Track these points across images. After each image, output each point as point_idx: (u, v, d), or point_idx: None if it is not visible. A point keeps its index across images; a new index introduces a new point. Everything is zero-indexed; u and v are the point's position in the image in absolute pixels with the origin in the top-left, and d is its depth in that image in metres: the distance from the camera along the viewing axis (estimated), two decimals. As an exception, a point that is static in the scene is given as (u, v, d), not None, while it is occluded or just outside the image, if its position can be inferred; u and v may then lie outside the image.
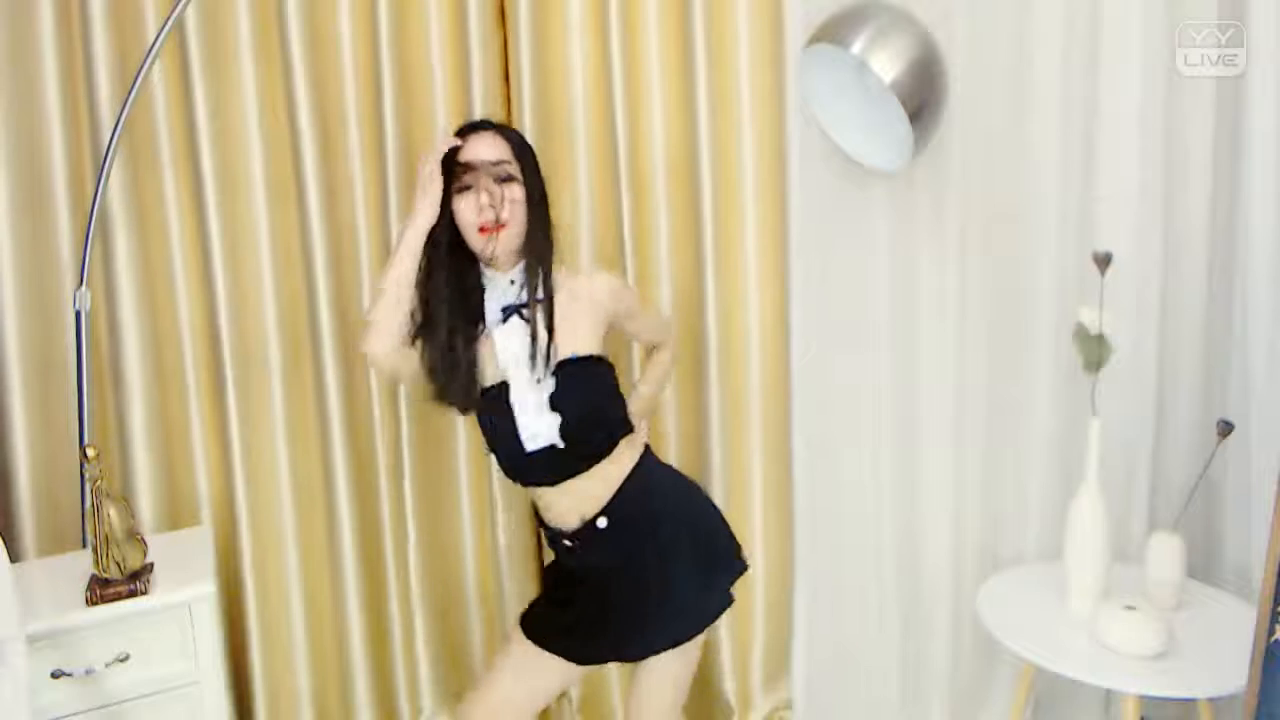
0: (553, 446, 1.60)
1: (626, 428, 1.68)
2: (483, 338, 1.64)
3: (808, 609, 2.31)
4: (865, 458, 2.28)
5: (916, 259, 2.20)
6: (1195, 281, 2.19)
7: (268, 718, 2.17)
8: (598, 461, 1.63)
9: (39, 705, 1.64)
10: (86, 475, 1.76)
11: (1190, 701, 1.86)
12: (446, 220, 1.59)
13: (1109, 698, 2.30)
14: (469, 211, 1.58)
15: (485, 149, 1.59)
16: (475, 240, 1.59)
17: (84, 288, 1.88)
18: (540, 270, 1.61)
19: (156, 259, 2.04)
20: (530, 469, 1.64)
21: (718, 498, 2.33)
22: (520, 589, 2.30)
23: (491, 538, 2.30)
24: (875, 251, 2.20)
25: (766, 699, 2.45)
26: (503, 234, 1.58)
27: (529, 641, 1.72)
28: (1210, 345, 2.21)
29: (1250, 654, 1.56)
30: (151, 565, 1.79)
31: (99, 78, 1.92)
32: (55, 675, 1.66)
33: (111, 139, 1.84)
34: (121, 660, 1.71)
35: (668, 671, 1.73)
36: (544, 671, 1.72)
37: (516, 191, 1.59)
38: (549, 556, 1.82)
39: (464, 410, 1.67)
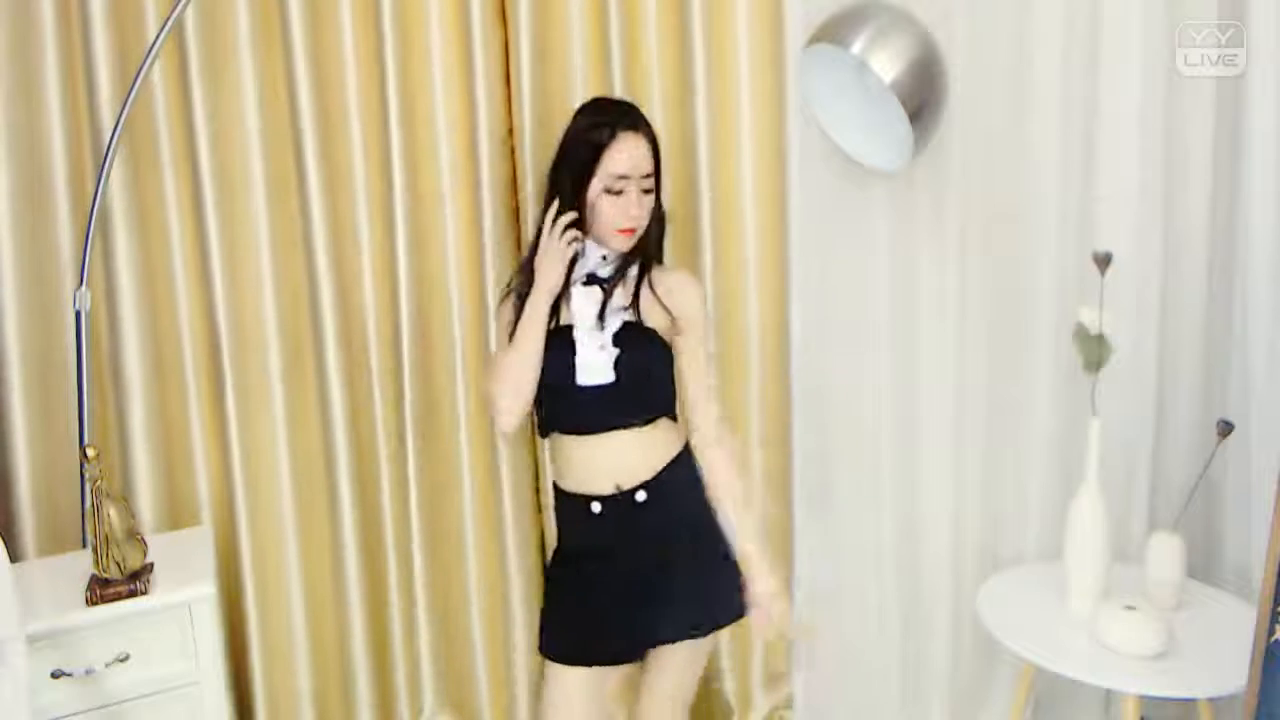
0: (602, 387, 1.64)
1: (671, 408, 1.75)
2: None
3: (807, 609, 2.31)
4: (865, 457, 2.28)
5: (916, 259, 2.20)
6: (1195, 281, 2.19)
7: (268, 718, 2.17)
8: (641, 420, 1.68)
9: (39, 705, 1.64)
10: (86, 475, 1.76)
11: (1190, 701, 1.86)
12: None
13: (1109, 698, 2.30)
14: (615, 213, 1.65)
15: (641, 159, 1.65)
16: (607, 233, 1.67)
17: (84, 287, 1.88)
18: (640, 260, 1.71)
19: (157, 258, 2.04)
20: (577, 407, 1.67)
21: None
22: (524, 589, 2.31)
23: (496, 538, 2.30)
24: (875, 251, 2.20)
25: (766, 699, 2.44)
26: (632, 237, 1.67)
27: (564, 666, 1.72)
28: (1210, 345, 2.21)
29: (1250, 654, 1.56)
30: (151, 565, 1.79)
31: (99, 77, 1.92)
32: (55, 675, 1.66)
33: (112, 138, 1.84)
34: (121, 660, 1.71)
35: (685, 663, 1.75)
36: (592, 688, 1.72)
37: (650, 200, 1.69)
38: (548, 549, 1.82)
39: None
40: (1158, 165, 2.12)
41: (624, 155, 1.63)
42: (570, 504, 1.73)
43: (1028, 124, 2.15)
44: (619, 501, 1.68)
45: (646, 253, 1.73)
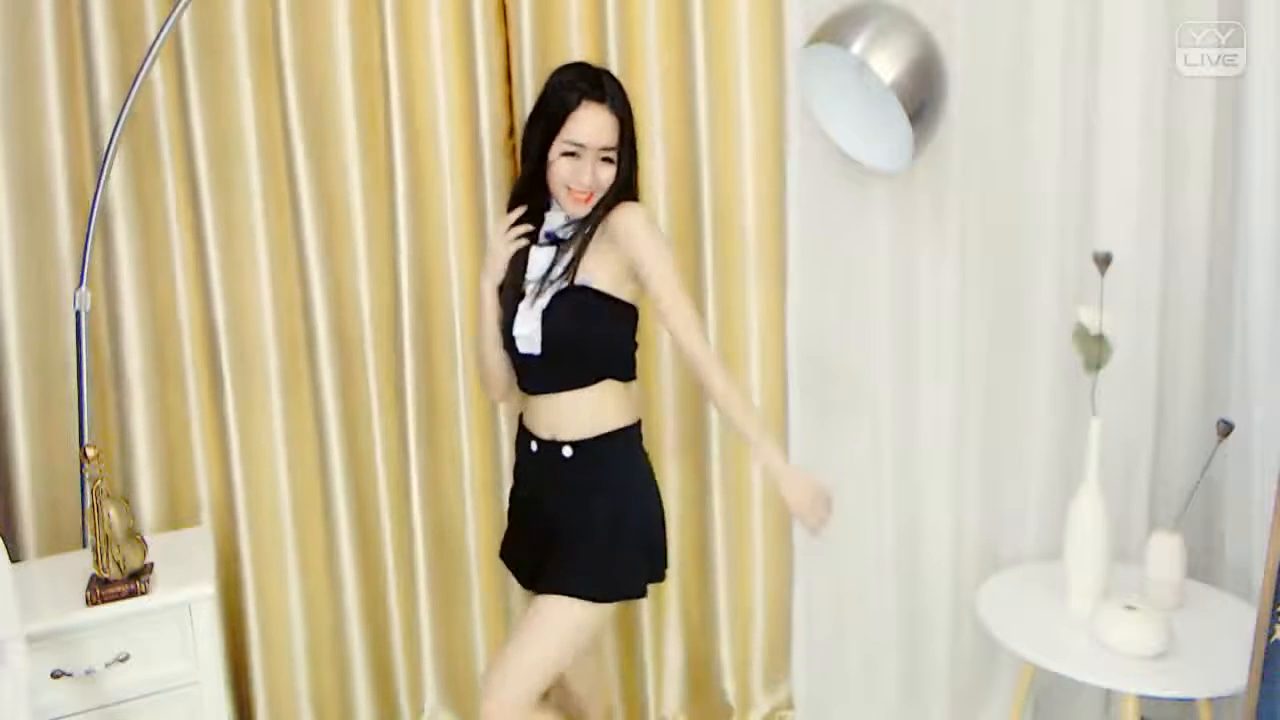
0: (534, 356, 1.73)
1: (613, 370, 1.77)
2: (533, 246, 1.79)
3: (808, 609, 2.31)
4: (865, 458, 2.28)
5: (916, 259, 2.20)
6: (1195, 281, 2.19)
7: (268, 718, 2.17)
8: (573, 386, 1.74)
9: (39, 705, 1.64)
10: (86, 475, 1.76)
11: (1190, 701, 1.86)
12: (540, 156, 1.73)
13: (1109, 698, 2.30)
14: (567, 174, 1.70)
15: (600, 131, 1.68)
16: (560, 191, 1.73)
17: (84, 288, 1.88)
18: (593, 219, 1.73)
19: (156, 258, 2.04)
20: (521, 372, 1.80)
21: (717, 498, 2.33)
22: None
23: (497, 537, 2.30)
24: (875, 251, 2.20)
25: (766, 699, 2.44)
26: (588, 202, 1.72)
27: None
28: (1210, 345, 2.21)
29: (1250, 654, 1.56)
30: (151, 565, 1.79)
31: (99, 78, 1.92)
32: (55, 675, 1.67)
33: (112, 139, 1.84)
34: (121, 660, 1.71)
35: (563, 613, 1.69)
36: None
37: (610, 171, 1.72)
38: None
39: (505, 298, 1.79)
40: (1158, 165, 2.12)
41: (584, 125, 1.68)
42: (521, 436, 1.85)
43: (1028, 124, 2.15)
44: (550, 448, 1.77)
45: (594, 213, 1.74)
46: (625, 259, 1.72)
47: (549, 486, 1.80)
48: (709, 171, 2.21)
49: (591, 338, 1.73)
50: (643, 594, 1.82)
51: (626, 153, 1.74)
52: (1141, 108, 2.10)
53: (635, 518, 1.79)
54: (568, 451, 1.75)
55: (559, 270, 1.71)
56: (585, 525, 1.75)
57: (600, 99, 1.68)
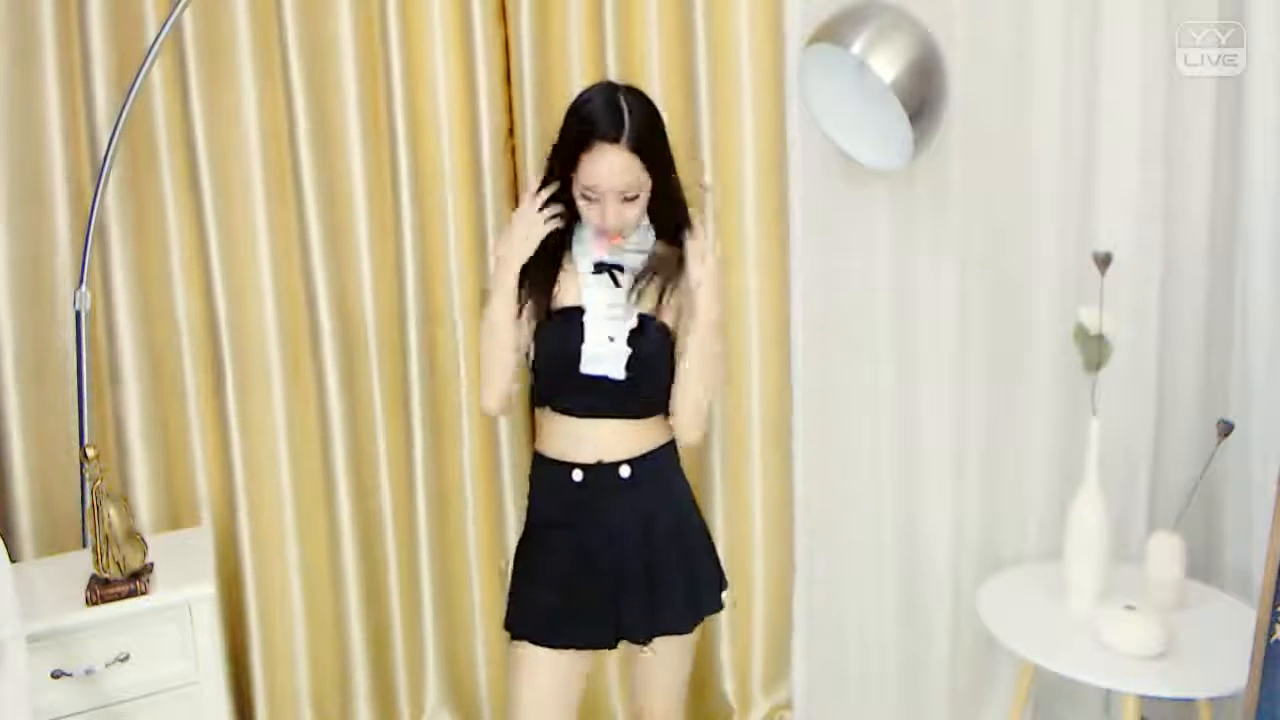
0: (607, 379, 1.60)
1: (666, 407, 1.68)
2: (565, 262, 1.67)
3: (808, 609, 2.31)
4: (865, 458, 2.28)
5: (916, 259, 2.20)
6: (1195, 281, 2.19)
7: (268, 718, 2.17)
8: (633, 416, 1.65)
9: (39, 705, 1.64)
10: (86, 475, 1.76)
11: (1190, 701, 1.86)
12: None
13: (1109, 698, 2.30)
14: (593, 217, 1.60)
15: (614, 174, 1.54)
16: (592, 227, 1.62)
17: (84, 288, 1.88)
18: (652, 271, 1.64)
19: (155, 259, 2.04)
20: (577, 392, 1.63)
21: (718, 498, 2.34)
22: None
23: (499, 538, 2.30)
24: (875, 251, 2.20)
25: (766, 699, 2.45)
26: (620, 237, 1.62)
27: (532, 646, 1.65)
28: (1210, 345, 2.21)
29: (1250, 654, 1.56)
30: (151, 565, 1.79)
31: (98, 79, 1.92)
32: (55, 675, 1.67)
33: (111, 140, 1.84)
34: (121, 660, 1.71)
35: (675, 653, 1.73)
36: (561, 671, 1.65)
37: (638, 207, 1.60)
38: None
39: (532, 298, 1.65)
40: (1158, 165, 2.12)
41: (597, 169, 1.54)
42: (551, 470, 1.67)
43: (1028, 124, 2.15)
44: (601, 472, 1.63)
45: (661, 241, 1.66)
46: (678, 302, 1.67)
47: (600, 514, 1.64)
48: (711, 171, 2.21)
49: (665, 368, 1.65)
50: (723, 606, 1.79)
51: (661, 177, 1.60)
52: (1141, 108, 2.09)
53: (704, 532, 1.77)
54: (625, 471, 1.63)
55: (643, 298, 1.63)
56: (678, 545, 1.68)
57: (615, 138, 1.53)
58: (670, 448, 1.71)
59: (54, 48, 1.91)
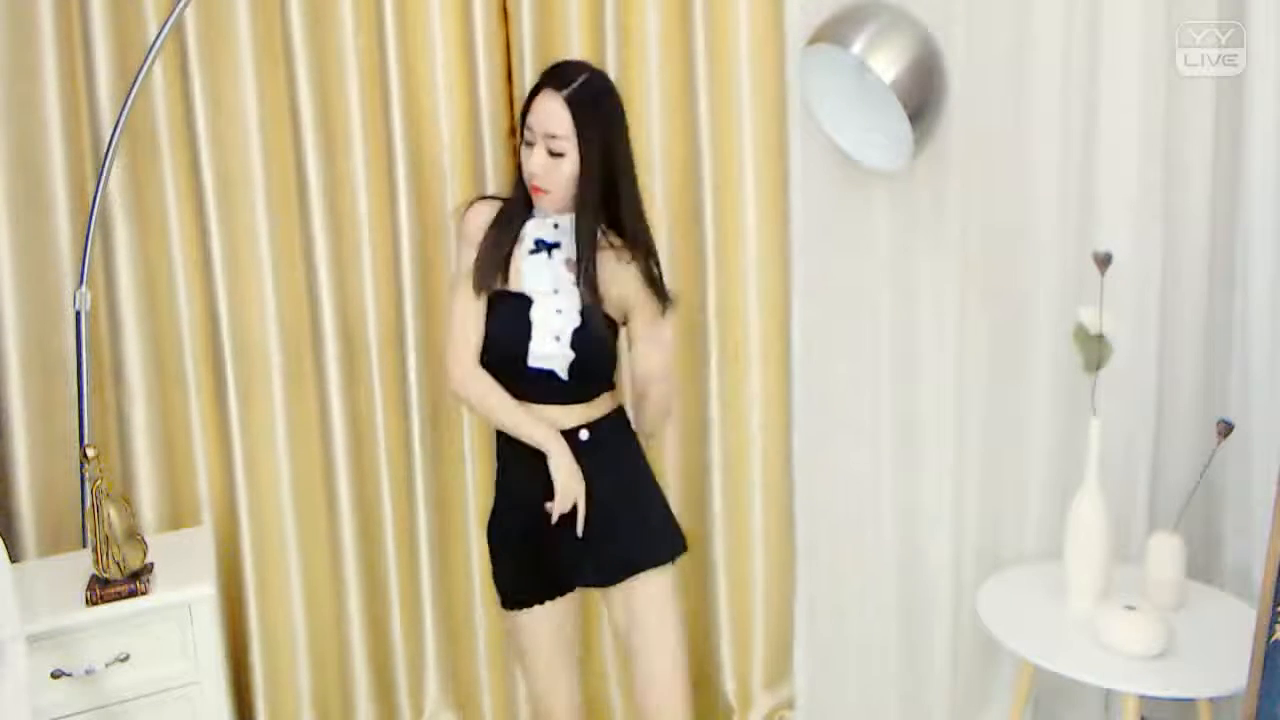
0: (552, 373, 1.68)
1: (610, 384, 1.79)
2: (517, 245, 1.73)
3: (808, 609, 2.31)
4: (865, 458, 2.28)
5: (916, 259, 2.20)
6: (1195, 281, 2.19)
7: (268, 718, 2.17)
8: (581, 400, 1.73)
9: (39, 705, 1.64)
10: (86, 475, 1.76)
11: (1190, 701, 1.86)
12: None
13: (1109, 698, 2.30)
14: (524, 162, 1.67)
15: (546, 118, 1.63)
16: (527, 183, 1.68)
17: (84, 288, 1.88)
18: (587, 234, 1.68)
19: (157, 258, 2.04)
20: (523, 381, 1.71)
21: (718, 498, 2.34)
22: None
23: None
24: (875, 251, 2.20)
25: (767, 699, 2.45)
26: (544, 196, 1.67)
27: (528, 611, 1.77)
28: (1210, 345, 2.21)
29: (1250, 654, 1.56)
30: (151, 565, 1.79)
31: (99, 77, 1.92)
32: (55, 675, 1.67)
33: (112, 138, 1.84)
34: (121, 660, 1.71)
35: (659, 592, 1.75)
36: (555, 620, 1.79)
37: (565, 166, 1.64)
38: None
39: (477, 287, 1.71)
40: (1158, 165, 2.12)
41: (534, 110, 1.64)
42: (517, 446, 1.72)
43: (1028, 124, 2.15)
44: (565, 438, 1.71)
45: (588, 228, 1.68)
46: (620, 287, 1.72)
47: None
48: (710, 171, 2.21)
49: (607, 353, 1.74)
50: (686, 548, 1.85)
51: (593, 154, 1.64)
52: (1141, 108, 2.09)
53: (656, 483, 1.85)
54: (585, 435, 1.73)
55: (578, 287, 1.68)
56: (634, 491, 1.78)
57: (557, 88, 1.62)
58: (620, 412, 1.81)
59: (54, 45, 1.90)
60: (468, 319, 1.71)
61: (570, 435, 1.72)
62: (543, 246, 1.71)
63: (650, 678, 1.75)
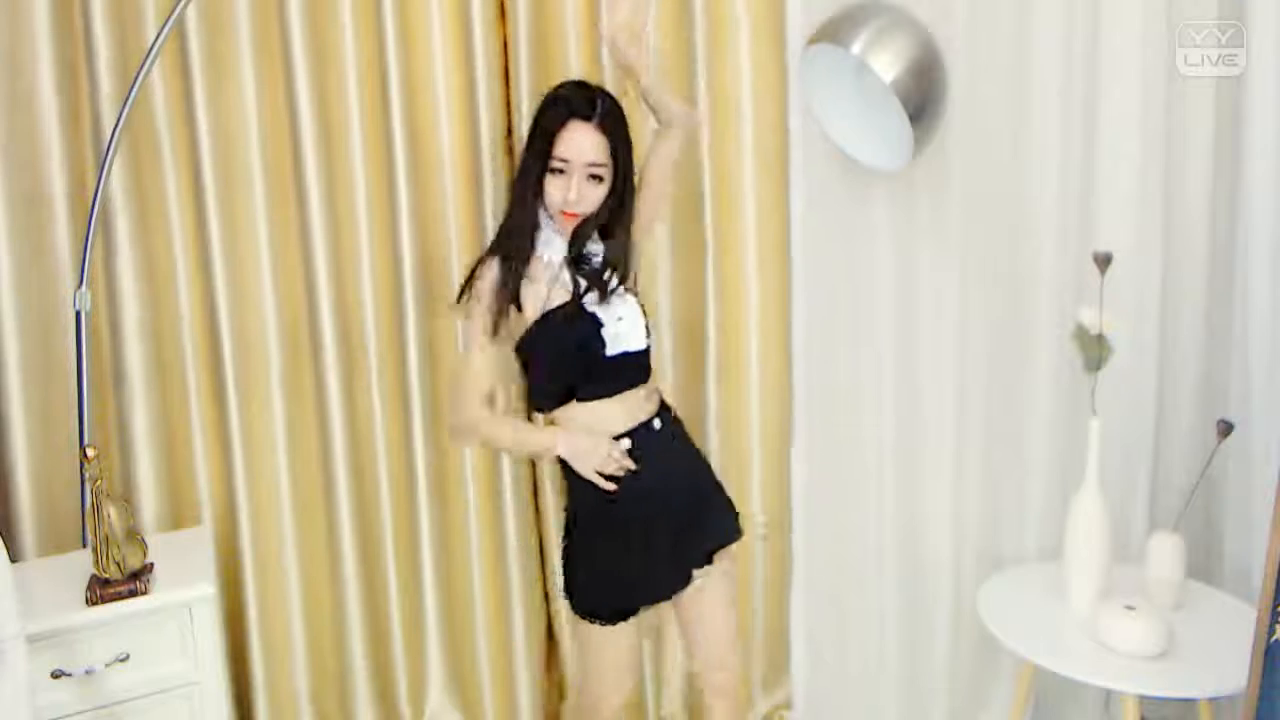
0: (629, 353, 1.72)
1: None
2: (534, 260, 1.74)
3: (807, 609, 2.31)
4: (865, 457, 2.28)
5: (916, 259, 2.20)
6: (1195, 281, 2.19)
7: (268, 718, 2.17)
8: (646, 380, 1.78)
9: (39, 705, 1.64)
10: (86, 475, 1.76)
11: (1190, 701, 1.86)
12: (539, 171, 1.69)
13: (1109, 698, 2.30)
14: (554, 191, 1.68)
15: (586, 149, 1.66)
16: (555, 213, 1.70)
17: (84, 288, 1.88)
18: (622, 247, 1.75)
19: (157, 258, 2.04)
20: (605, 375, 1.73)
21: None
22: (526, 590, 2.31)
23: (499, 538, 2.30)
24: (876, 251, 2.20)
25: (766, 698, 2.45)
26: (574, 220, 1.70)
27: (613, 626, 1.76)
28: (1210, 345, 2.21)
29: (1250, 654, 1.56)
30: (151, 565, 1.79)
31: (99, 76, 1.92)
32: (55, 675, 1.66)
33: (112, 138, 1.84)
34: (121, 660, 1.71)
35: (723, 589, 1.82)
36: (635, 635, 1.82)
37: (602, 189, 1.69)
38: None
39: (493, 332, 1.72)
40: (1158, 165, 2.12)
41: (569, 141, 1.65)
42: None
43: (1028, 124, 2.15)
44: (642, 432, 1.75)
45: (625, 241, 1.76)
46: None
47: (657, 466, 1.75)
48: (711, 171, 2.21)
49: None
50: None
51: (621, 176, 1.70)
52: (1141, 108, 2.10)
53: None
54: (657, 424, 1.77)
55: (615, 278, 1.74)
56: (705, 474, 1.85)
57: (587, 116, 1.65)
58: (666, 405, 1.84)
59: (53, 45, 1.90)
60: (481, 372, 1.73)
61: (646, 425, 1.76)
62: (573, 260, 1.74)
63: (718, 651, 1.85)
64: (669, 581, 1.79)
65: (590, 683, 1.84)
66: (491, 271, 1.73)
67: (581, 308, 1.71)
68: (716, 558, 1.81)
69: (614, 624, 1.77)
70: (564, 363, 1.73)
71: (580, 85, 1.72)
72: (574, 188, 1.66)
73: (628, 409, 1.75)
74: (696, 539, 1.79)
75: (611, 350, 1.71)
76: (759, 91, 2.21)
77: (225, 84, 2.00)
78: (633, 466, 1.71)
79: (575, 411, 1.75)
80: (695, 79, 2.18)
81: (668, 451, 1.78)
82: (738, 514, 1.87)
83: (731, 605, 1.84)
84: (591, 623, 1.78)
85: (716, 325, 2.27)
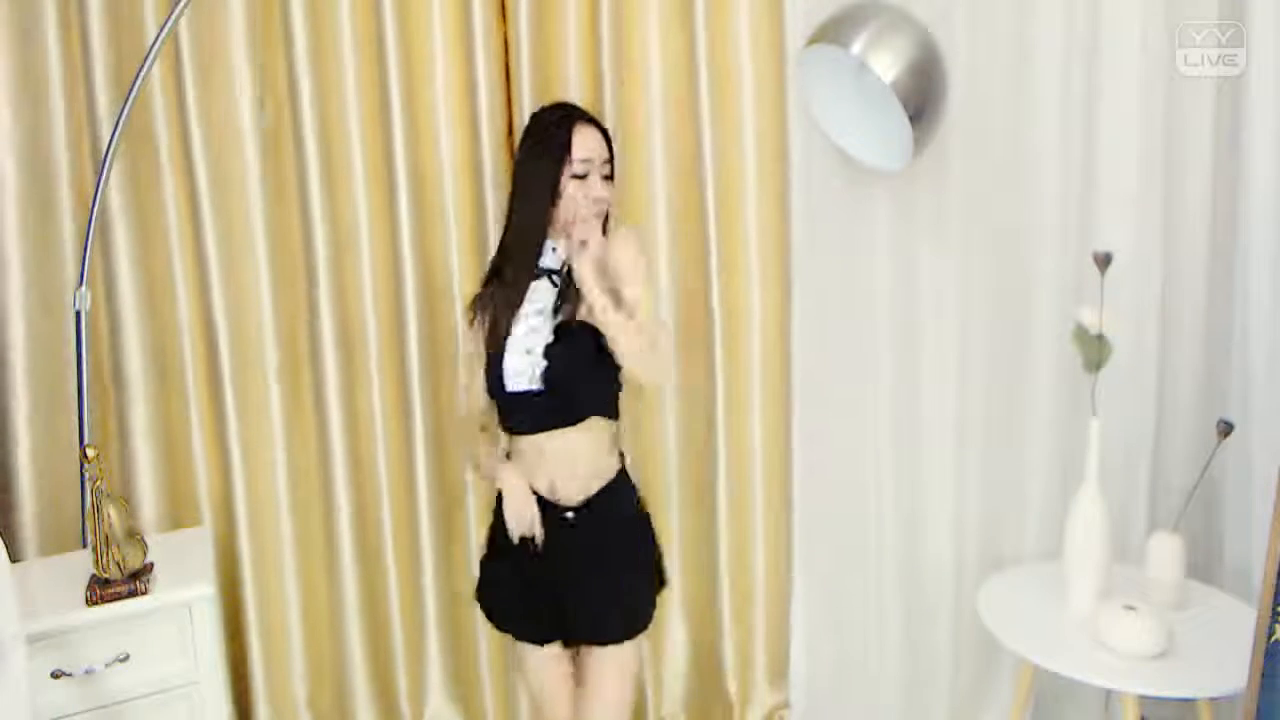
0: (530, 392, 1.69)
1: (601, 408, 1.76)
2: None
3: (808, 609, 2.31)
4: (865, 458, 2.28)
5: (916, 259, 2.20)
6: (1195, 281, 2.19)
7: (268, 718, 2.17)
8: (571, 423, 1.71)
9: (39, 705, 1.64)
10: (86, 475, 1.76)
11: (1190, 701, 1.86)
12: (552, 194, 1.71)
13: (1109, 698, 2.30)
14: (583, 195, 1.71)
15: (599, 146, 1.73)
16: (573, 219, 1.70)
17: (84, 288, 1.88)
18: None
19: (157, 259, 2.04)
20: (508, 409, 1.75)
21: (719, 498, 2.33)
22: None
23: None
24: (876, 251, 2.20)
25: (767, 698, 2.44)
26: (596, 222, 1.73)
27: (529, 645, 1.81)
28: (1210, 345, 2.21)
29: (1250, 654, 1.56)
30: (151, 565, 1.79)
31: (98, 80, 1.92)
32: (55, 675, 1.67)
33: (111, 140, 1.84)
34: (121, 660, 1.71)
35: (623, 665, 1.80)
36: (550, 665, 1.83)
37: (610, 189, 1.76)
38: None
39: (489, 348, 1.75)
40: (1158, 165, 2.12)
41: (585, 141, 1.71)
42: (544, 506, 1.76)
43: (1028, 124, 2.15)
44: (554, 510, 1.74)
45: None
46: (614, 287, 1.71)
47: (549, 548, 1.74)
48: (711, 172, 2.21)
49: (590, 370, 1.72)
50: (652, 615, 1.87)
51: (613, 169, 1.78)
52: (1141, 108, 2.09)
53: (646, 548, 1.86)
54: (570, 515, 1.74)
55: (562, 304, 1.72)
56: (612, 576, 1.77)
57: (589, 120, 1.75)
58: (621, 475, 1.80)
59: (57, 49, 1.91)
60: (475, 383, 1.79)
61: (559, 513, 1.73)
62: (543, 273, 1.75)
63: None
64: (534, 632, 1.81)
65: (530, 703, 1.91)
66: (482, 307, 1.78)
67: (506, 332, 1.71)
68: (604, 649, 1.78)
69: (520, 640, 1.82)
70: (488, 389, 1.75)
71: (561, 103, 1.81)
72: (598, 185, 1.72)
73: (548, 466, 1.72)
74: (566, 621, 1.78)
75: (510, 385, 1.70)
76: (759, 91, 2.21)
77: (223, 86, 2.01)
78: (537, 547, 1.73)
79: (512, 439, 1.78)
80: (696, 79, 2.18)
81: (567, 542, 1.74)
82: (635, 620, 1.81)
83: (620, 686, 1.80)
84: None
85: (717, 325, 2.27)
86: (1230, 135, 2.11)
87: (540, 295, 1.74)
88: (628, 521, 1.82)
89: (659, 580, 1.89)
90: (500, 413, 1.78)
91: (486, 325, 1.75)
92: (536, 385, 1.69)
